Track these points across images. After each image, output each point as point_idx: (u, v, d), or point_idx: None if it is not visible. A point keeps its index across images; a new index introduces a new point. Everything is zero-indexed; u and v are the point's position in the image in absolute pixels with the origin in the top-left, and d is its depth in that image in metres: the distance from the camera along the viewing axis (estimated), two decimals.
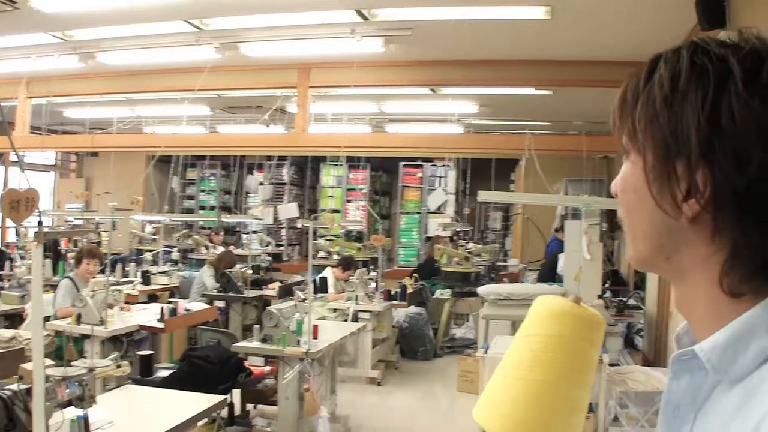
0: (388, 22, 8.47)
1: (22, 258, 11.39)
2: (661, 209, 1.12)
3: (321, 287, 11.24)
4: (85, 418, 4.31)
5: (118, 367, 5.22)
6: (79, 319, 7.58)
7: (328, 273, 11.72)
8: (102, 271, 9.12)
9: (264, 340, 7.45)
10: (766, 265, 1.06)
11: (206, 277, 11.59)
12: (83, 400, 4.34)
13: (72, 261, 10.44)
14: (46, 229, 4.11)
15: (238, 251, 15.38)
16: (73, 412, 4.31)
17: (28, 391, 4.06)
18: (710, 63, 1.08)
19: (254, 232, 16.87)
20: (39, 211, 3.95)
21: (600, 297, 9.52)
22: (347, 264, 11.92)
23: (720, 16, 6.81)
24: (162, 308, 8.43)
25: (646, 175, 1.14)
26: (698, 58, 1.10)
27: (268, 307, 7.86)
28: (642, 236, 1.19)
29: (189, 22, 8.59)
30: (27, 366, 4.62)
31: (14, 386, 4.23)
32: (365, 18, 8.23)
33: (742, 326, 1.06)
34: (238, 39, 9.15)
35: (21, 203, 3.78)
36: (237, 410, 7.68)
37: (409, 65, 10.31)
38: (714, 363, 1.07)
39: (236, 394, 7.52)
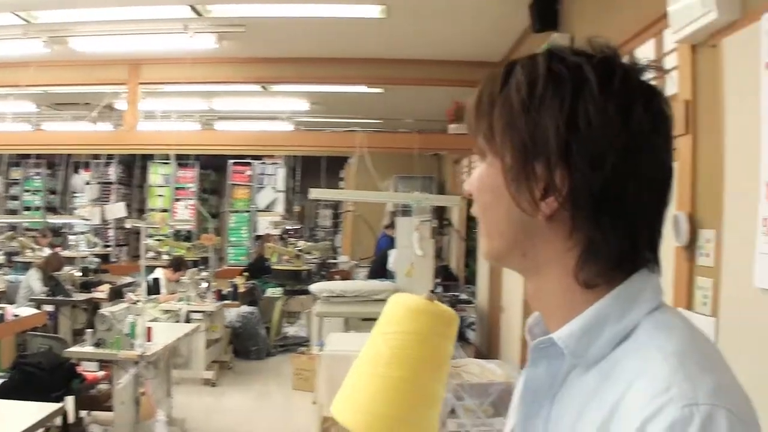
0: (221, 18, 8.40)
1: None
2: (519, 208, 1.19)
3: (153, 288, 11.05)
4: None
5: None
6: None
7: (159, 274, 11.52)
8: None
9: (97, 345, 7.25)
10: (618, 260, 1.16)
11: (33, 280, 11.19)
12: None
13: None
14: None
15: (65, 253, 14.92)
16: None
17: None
18: (566, 70, 1.15)
19: (82, 233, 16.48)
20: None
21: (432, 292, 9.64)
22: (178, 264, 11.75)
23: (552, 18, 7.03)
24: None
25: (505, 176, 1.20)
26: (554, 65, 1.16)
27: (101, 310, 7.68)
28: (498, 234, 1.25)
29: (16, 14, 8.29)
30: None
31: None
32: (199, 14, 8.13)
33: (596, 314, 1.16)
34: (68, 33, 8.89)
35: None
36: (71, 418, 7.47)
37: (242, 62, 10.25)
38: (572, 349, 1.17)
39: (69, 401, 7.31)
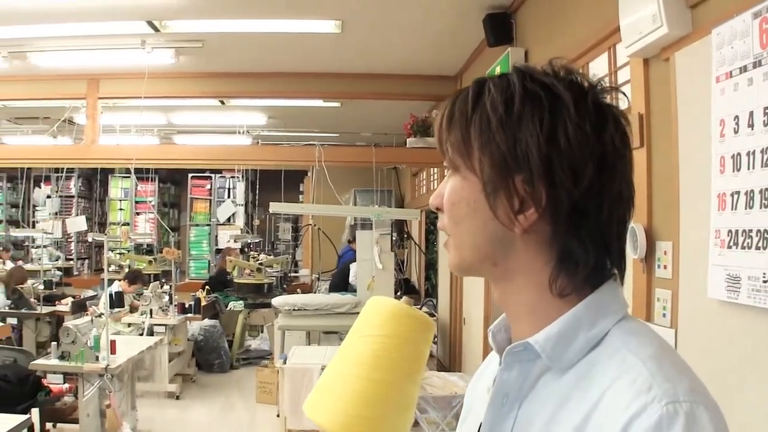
0: (179, 34, 8.39)
1: None
2: (498, 221, 1.22)
3: (117, 301, 11.02)
4: None
5: None
6: None
7: (117, 286, 11.49)
8: None
9: (62, 357, 7.27)
10: (592, 270, 1.21)
11: None
12: None
13: None
14: None
15: (28, 266, 14.72)
16: None
17: None
18: (541, 89, 1.19)
19: (44, 247, 16.32)
20: None
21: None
22: (134, 277, 11.71)
23: (506, 33, 7.08)
24: None
25: (484, 189, 1.23)
26: (528, 84, 1.20)
27: (65, 323, 7.71)
28: (472, 245, 1.28)
29: None
30: None
31: None
32: (156, 29, 8.12)
33: (571, 321, 1.21)
34: (27, 48, 8.88)
35: None
36: (37, 430, 7.47)
37: (200, 77, 10.24)
38: (548, 353, 1.21)
39: (35, 414, 7.30)
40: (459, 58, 9.24)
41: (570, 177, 1.17)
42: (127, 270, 13.74)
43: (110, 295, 10.29)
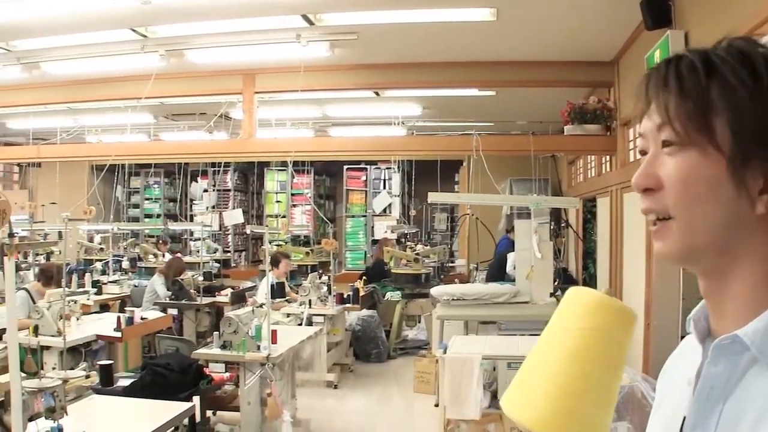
0: (333, 26, 8.45)
1: None
2: (740, 200, 1.13)
3: (278, 292, 11.17)
4: (60, 429, 4.28)
5: (87, 377, 5.19)
6: (36, 331, 7.52)
7: (272, 278, 11.60)
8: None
9: (223, 347, 7.43)
10: None
11: (157, 285, 11.50)
12: (55, 411, 4.29)
13: (23, 273, 10.37)
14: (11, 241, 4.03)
15: (186, 258, 15.14)
16: (43, 423, 4.27)
17: (1, 404, 4.03)
18: None
19: (203, 239, 16.69)
20: (10, 222, 3.88)
21: (552, 295, 9.57)
22: (275, 262, 11.80)
23: (665, 15, 6.87)
24: (119, 317, 8.39)
25: (730, 166, 1.13)
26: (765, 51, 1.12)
27: (227, 314, 7.85)
28: (704, 229, 1.18)
29: (134, 30, 8.50)
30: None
31: None
32: (311, 23, 8.20)
33: None
34: (184, 46, 9.06)
35: None
36: (197, 417, 7.61)
37: (355, 69, 10.29)
38: (758, 345, 1.11)
39: (196, 401, 7.43)
40: (615, 42, 9.05)
41: None
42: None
43: (270, 286, 10.45)
